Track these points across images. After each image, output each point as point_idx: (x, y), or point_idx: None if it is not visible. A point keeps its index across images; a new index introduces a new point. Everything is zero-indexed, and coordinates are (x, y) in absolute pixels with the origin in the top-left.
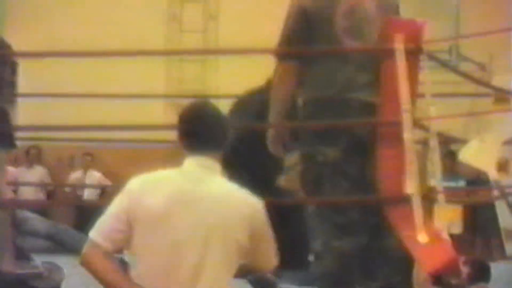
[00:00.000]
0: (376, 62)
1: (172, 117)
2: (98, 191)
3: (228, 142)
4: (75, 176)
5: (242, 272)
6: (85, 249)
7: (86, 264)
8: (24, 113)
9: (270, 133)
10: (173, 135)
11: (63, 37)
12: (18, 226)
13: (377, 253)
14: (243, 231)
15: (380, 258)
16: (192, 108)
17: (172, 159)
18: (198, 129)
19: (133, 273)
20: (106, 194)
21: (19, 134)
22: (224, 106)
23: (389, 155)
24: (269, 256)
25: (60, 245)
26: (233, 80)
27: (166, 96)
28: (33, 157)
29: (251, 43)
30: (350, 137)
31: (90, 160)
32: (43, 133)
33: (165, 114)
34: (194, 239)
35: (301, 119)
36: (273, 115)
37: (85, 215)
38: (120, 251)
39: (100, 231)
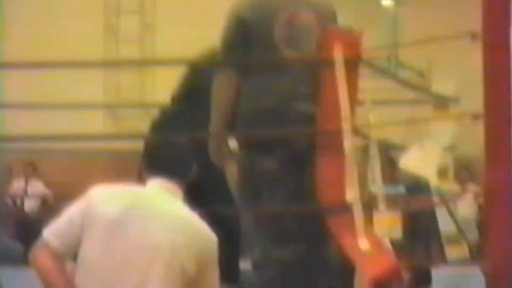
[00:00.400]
0: (315, 72)
1: (111, 127)
2: (39, 201)
3: (193, 173)
4: (16, 185)
5: None
6: (35, 246)
7: (32, 262)
8: None
9: (211, 144)
10: (112, 144)
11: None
12: None
13: (317, 262)
14: (190, 259)
15: (321, 267)
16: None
17: (114, 168)
18: (164, 155)
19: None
20: (47, 205)
21: None
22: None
23: (328, 164)
24: None
25: None
26: (170, 89)
27: (104, 106)
28: None
29: (188, 51)
30: (289, 147)
31: (31, 170)
32: None
33: (104, 124)
34: (140, 256)
35: (240, 129)
36: (213, 125)
37: (25, 227)
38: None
39: (53, 230)
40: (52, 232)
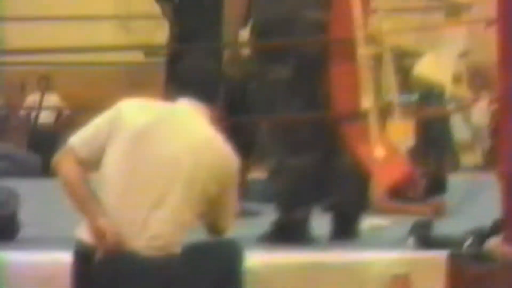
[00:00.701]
0: None
1: (122, 39)
2: (54, 114)
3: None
4: (31, 99)
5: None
6: (60, 151)
7: (56, 166)
8: None
9: (226, 54)
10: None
11: None
12: None
13: (333, 170)
14: (212, 179)
15: (336, 174)
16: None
17: (126, 80)
18: (194, 78)
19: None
20: (62, 117)
21: None
22: None
23: (342, 71)
24: (227, 216)
25: (14, 166)
26: None
27: (115, 18)
28: None
29: None
30: (302, 55)
31: (46, 83)
32: None
33: (115, 36)
34: (162, 170)
35: (252, 39)
36: (228, 34)
37: (40, 139)
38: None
39: (79, 136)
40: (78, 139)
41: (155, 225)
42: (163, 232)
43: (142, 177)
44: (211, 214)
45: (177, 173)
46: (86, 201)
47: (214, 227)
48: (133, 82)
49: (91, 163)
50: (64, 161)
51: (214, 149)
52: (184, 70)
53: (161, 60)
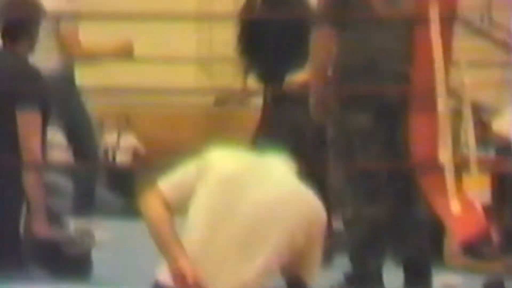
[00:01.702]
0: (410, 30)
1: (203, 82)
2: (131, 154)
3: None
4: (109, 138)
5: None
6: (148, 192)
7: (142, 206)
8: None
9: (312, 100)
10: (203, 99)
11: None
12: (49, 188)
13: (408, 221)
14: (300, 230)
15: (411, 225)
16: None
17: (204, 124)
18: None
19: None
20: (139, 158)
21: None
22: None
23: (421, 122)
24: (310, 269)
25: (89, 205)
26: None
27: (197, 60)
28: None
29: None
30: (382, 104)
31: (124, 123)
32: None
33: (196, 79)
34: (248, 218)
35: (335, 85)
36: (313, 81)
37: (117, 179)
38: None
39: (167, 180)
40: (167, 182)
41: (240, 274)
42: (248, 281)
43: (229, 225)
44: (294, 266)
45: (264, 224)
46: (169, 242)
47: (295, 279)
48: (212, 126)
49: (177, 207)
50: (151, 202)
51: (301, 201)
52: (273, 119)
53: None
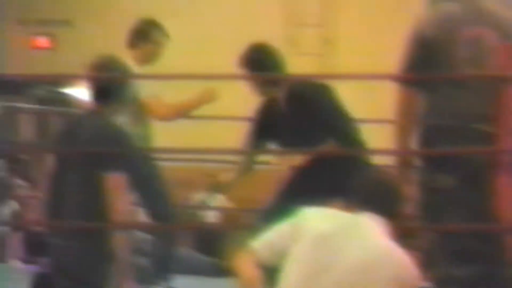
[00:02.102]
0: (495, 91)
1: None
2: (220, 215)
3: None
4: (198, 197)
5: None
6: (241, 251)
7: (235, 265)
8: None
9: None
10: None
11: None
12: (138, 248)
13: (497, 282)
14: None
15: (500, 286)
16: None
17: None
18: (373, 192)
19: None
20: (228, 217)
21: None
22: None
23: (508, 183)
24: None
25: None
26: (350, 104)
27: None
28: None
29: (367, 68)
30: (468, 166)
31: (213, 182)
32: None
33: None
34: (345, 274)
35: (420, 146)
36: (397, 142)
37: (207, 239)
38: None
39: (261, 240)
40: (261, 242)
41: None
42: None
43: (322, 284)
44: None
45: (358, 282)
46: None
47: None
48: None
49: (271, 263)
50: (245, 262)
51: (395, 260)
52: (367, 181)
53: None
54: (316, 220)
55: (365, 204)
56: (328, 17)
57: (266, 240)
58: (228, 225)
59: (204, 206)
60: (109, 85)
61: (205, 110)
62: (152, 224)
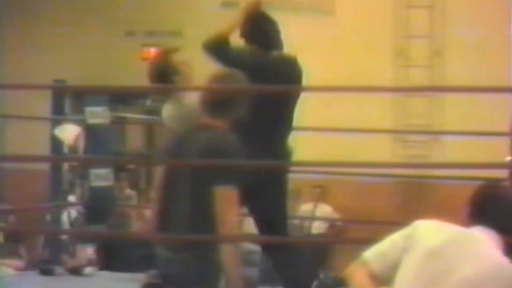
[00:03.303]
0: None
1: (399, 152)
2: (326, 225)
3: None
4: (305, 208)
5: None
6: (354, 263)
7: (348, 277)
8: None
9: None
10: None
11: None
12: (246, 259)
13: None
14: None
15: None
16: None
17: (398, 193)
18: (488, 206)
19: None
20: (335, 229)
21: None
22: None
23: None
24: None
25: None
26: (460, 116)
27: (393, 132)
28: None
29: (477, 80)
30: None
31: (320, 193)
32: None
33: (392, 149)
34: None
35: None
36: None
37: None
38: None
39: (373, 251)
40: (373, 254)
41: None
42: None
43: None
44: None
45: None
46: None
47: None
48: (408, 197)
49: (383, 279)
50: (357, 274)
51: (507, 277)
52: (482, 194)
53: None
54: (429, 232)
55: (479, 218)
56: (437, 28)
57: (378, 251)
58: (336, 237)
59: (310, 217)
60: (228, 98)
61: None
62: (261, 236)
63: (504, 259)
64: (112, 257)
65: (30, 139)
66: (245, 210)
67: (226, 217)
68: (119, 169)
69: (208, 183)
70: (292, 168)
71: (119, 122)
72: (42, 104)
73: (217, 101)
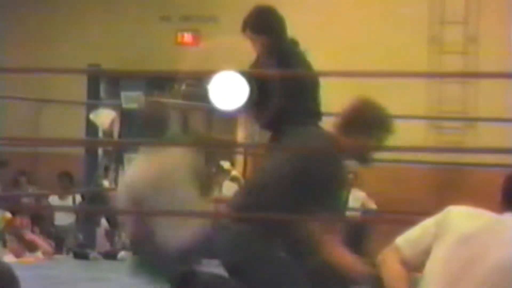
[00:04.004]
0: None
1: (433, 138)
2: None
3: None
4: None
5: None
6: (386, 250)
7: (380, 263)
8: None
9: None
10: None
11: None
12: None
13: None
14: None
15: None
16: None
17: (431, 180)
18: None
19: None
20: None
21: None
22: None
23: None
24: None
25: None
26: (493, 102)
27: (426, 118)
28: None
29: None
30: None
31: (353, 179)
32: None
33: (425, 135)
34: (489, 274)
35: None
36: None
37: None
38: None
39: (405, 237)
40: (404, 240)
41: None
42: None
43: (465, 284)
44: None
45: (500, 284)
46: None
47: None
48: (441, 183)
49: (414, 264)
50: (389, 259)
51: None
52: (510, 182)
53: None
54: (461, 218)
55: (511, 204)
56: (472, 14)
57: (410, 237)
58: (368, 221)
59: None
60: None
61: None
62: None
63: None
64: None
65: (66, 124)
66: None
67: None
68: None
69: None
70: None
71: None
72: (78, 88)
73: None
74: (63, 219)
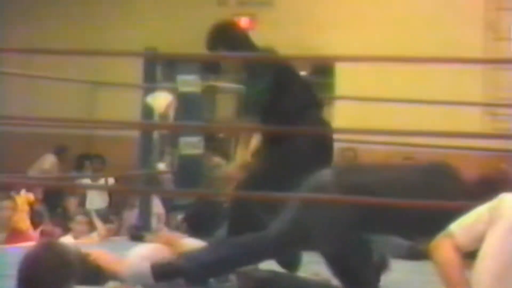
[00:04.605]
0: None
1: (488, 125)
2: None
3: None
4: None
5: None
6: (439, 237)
7: (433, 251)
8: (343, 115)
9: None
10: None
11: (373, 41)
12: None
13: None
14: None
15: None
16: None
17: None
18: None
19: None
20: None
21: (336, 136)
22: None
23: None
24: None
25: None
26: None
27: (482, 105)
28: (348, 159)
29: None
30: None
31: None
32: (360, 136)
33: (481, 121)
34: None
35: None
36: None
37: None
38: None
39: (459, 223)
40: (458, 226)
41: None
42: None
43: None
44: None
45: None
46: (458, 286)
47: None
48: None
49: (469, 251)
50: (442, 245)
51: None
52: None
53: None
54: None
55: None
56: None
57: (464, 224)
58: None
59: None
60: None
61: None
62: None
63: None
64: (201, 225)
65: (122, 106)
66: None
67: None
68: (209, 138)
69: None
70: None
71: (210, 91)
72: (134, 71)
73: None
74: (96, 203)
